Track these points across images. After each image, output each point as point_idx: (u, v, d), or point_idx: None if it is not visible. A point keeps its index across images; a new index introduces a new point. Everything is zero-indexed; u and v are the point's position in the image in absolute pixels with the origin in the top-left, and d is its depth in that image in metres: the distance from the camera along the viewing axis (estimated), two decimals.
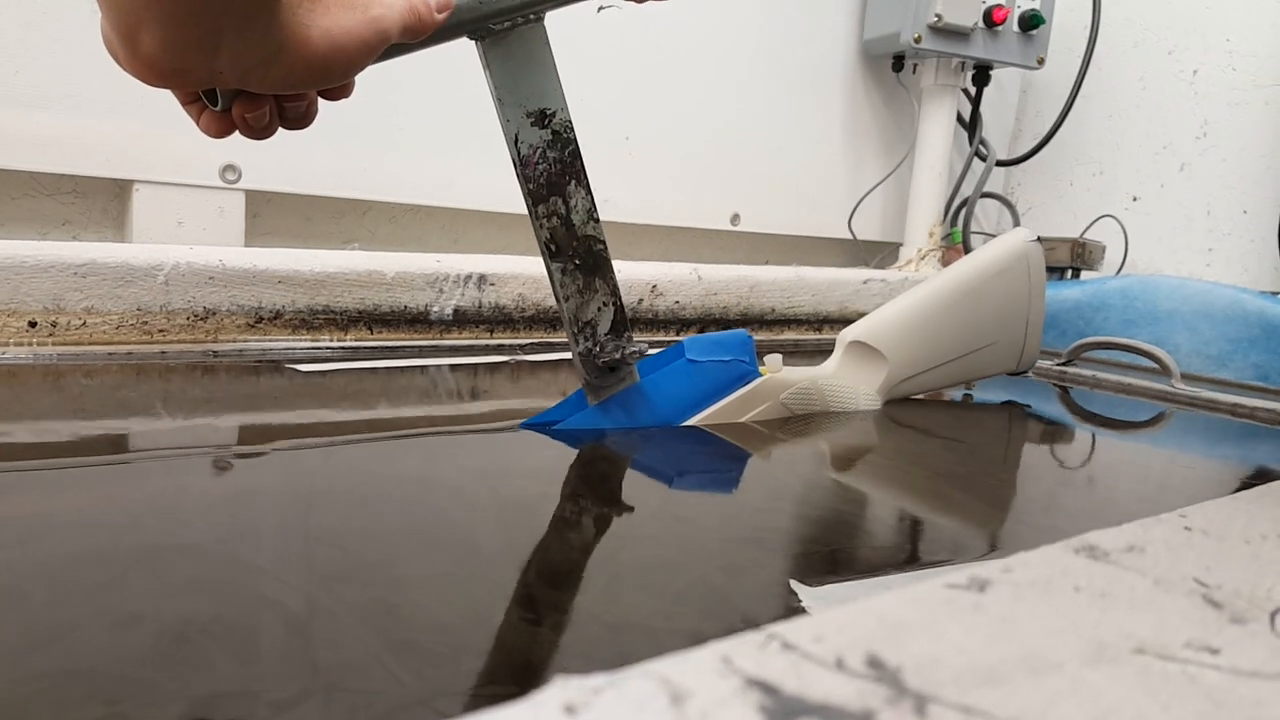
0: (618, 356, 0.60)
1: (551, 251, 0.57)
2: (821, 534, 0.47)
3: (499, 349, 0.94)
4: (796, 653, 0.15)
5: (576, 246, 0.58)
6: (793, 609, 0.35)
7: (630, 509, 0.48)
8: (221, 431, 0.58)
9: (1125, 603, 0.19)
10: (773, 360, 0.69)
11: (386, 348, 0.87)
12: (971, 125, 1.50)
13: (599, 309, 0.59)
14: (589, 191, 0.58)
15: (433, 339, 0.94)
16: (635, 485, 0.54)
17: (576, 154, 0.57)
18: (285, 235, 1.03)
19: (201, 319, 0.81)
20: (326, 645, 0.29)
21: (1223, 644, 0.17)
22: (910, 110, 1.49)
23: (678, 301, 1.14)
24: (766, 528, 0.46)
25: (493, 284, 0.98)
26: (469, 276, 0.96)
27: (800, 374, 0.73)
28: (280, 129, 0.47)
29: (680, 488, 0.54)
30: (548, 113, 0.55)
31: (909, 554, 0.44)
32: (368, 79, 1.03)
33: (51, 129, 0.85)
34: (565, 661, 0.29)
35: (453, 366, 0.84)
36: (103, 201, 0.93)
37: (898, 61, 1.44)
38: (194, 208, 0.93)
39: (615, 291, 0.60)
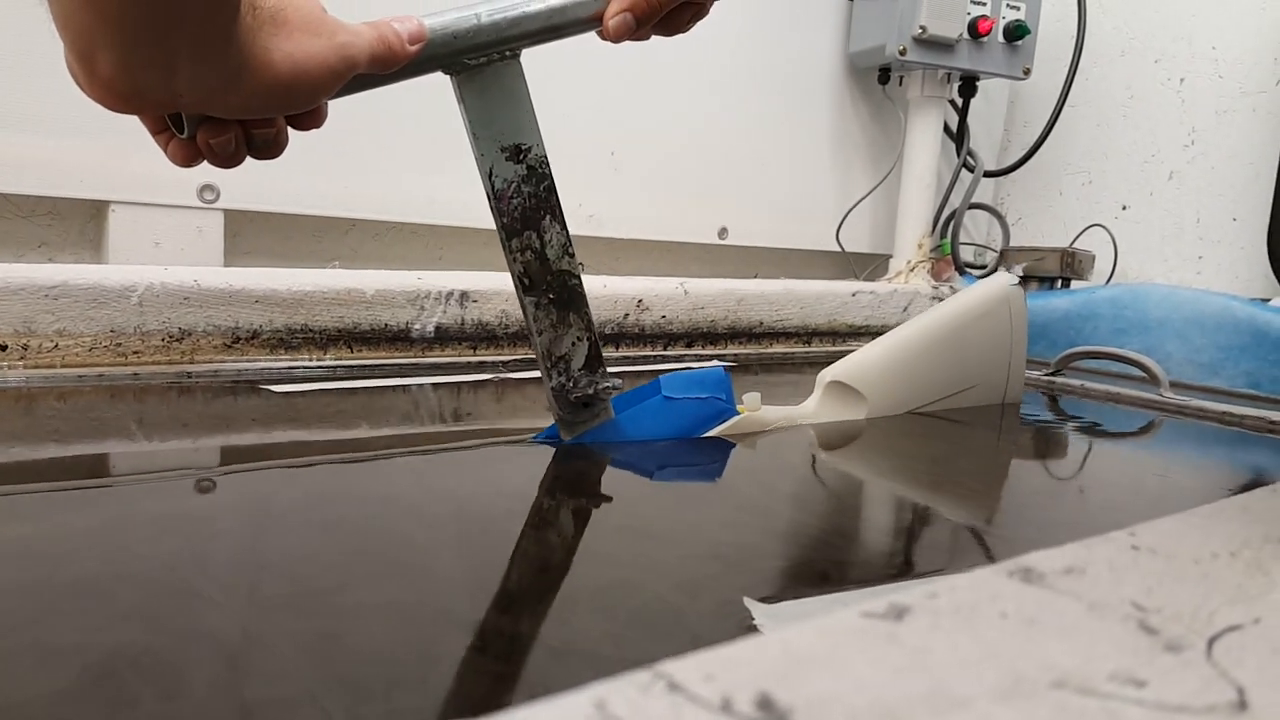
0: (591, 392, 0.60)
1: (525, 285, 0.57)
2: (784, 548, 0.46)
3: (480, 366, 0.93)
4: (681, 694, 0.14)
5: (551, 281, 0.57)
6: (748, 627, 0.34)
7: (594, 526, 0.47)
8: (186, 455, 0.57)
9: (1053, 630, 0.18)
10: (751, 399, 0.68)
11: (367, 366, 0.87)
12: (959, 136, 1.50)
13: (573, 344, 0.59)
14: (564, 226, 0.57)
15: (414, 357, 0.93)
16: (604, 500, 0.53)
17: (552, 189, 0.56)
18: (266, 254, 1.03)
19: (177, 340, 0.80)
20: (258, 679, 0.28)
21: (1151, 675, 0.16)
22: (897, 122, 1.49)
23: (664, 316, 1.13)
24: (730, 542, 0.45)
25: (475, 301, 0.97)
26: (451, 293, 0.95)
27: (779, 413, 0.72)
28: (250, 157, 0.46)
29: (649, 502, 0.53)
30: (523, 148, 0.55)
31: (870, 570, 0.43)
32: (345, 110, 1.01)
33: (26, 150, 0.84)
34: (501, 693, 0.28)
35: (435, 385, 0.84)
36: (79, 223, 0.92)
37: (884, 74, 1.44)
38: (172, 228, 0.92)
39: (590, 326, 0.59)
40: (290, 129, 0.47)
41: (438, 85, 1.07)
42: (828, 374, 0.77)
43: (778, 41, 1.37)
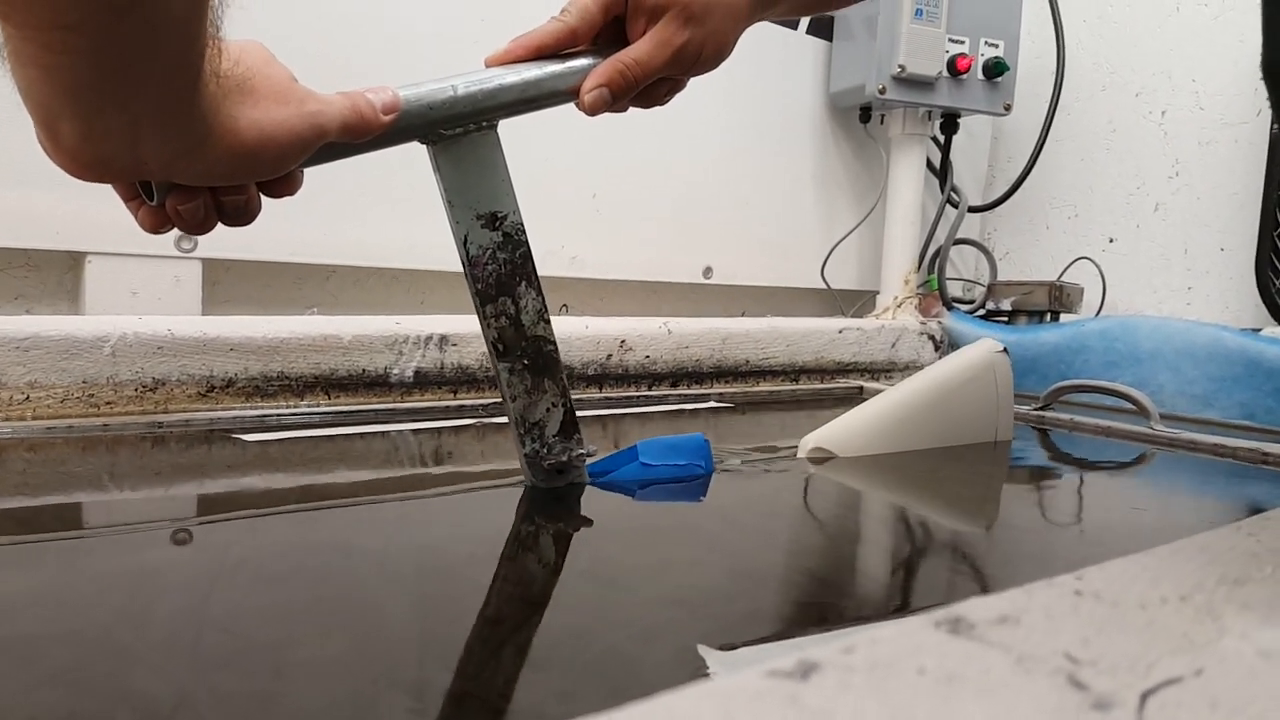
0: (565, 459, 0.59)
1: (499, 351, 0.56)
2: (750, 590, 0.45)
3: (461, 410, 0.92)
4: None
5: (525, 347, 0.56)
6: (701, 676, 0.33)
7: (558, 572, 0.46)
8: (146, 507, 0.56)
9: (972, 689, 0.16)
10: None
11: (345, 413, 0.86)
12: (942, 173, 1.50)
13: (547, 410, 0.58)
14: (540, 292, 0.57)
15: (393, 402, 0.92)
16: (571, 544, 0.52)
17: (527, 255, 0.56)
18: (245, 302, 1.02)
19: (150, 390, 0.79)
20: None
21: None
22: (880, 160, 1.49)
23: (648, 356, 1.12)
24: (694, 585, 0.44)
25: (454, 344, 0.96)
26: (429, 337, 0.95)
27: None
28: (222, 224, 0.45)
29: (617, 544, 0.52)
30: (499, 215, 0.55)
31: (833, 611, 0.42)
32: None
33: (1, 203, 0.84)
34: None
35: (414, 430, 0.82)
36: (57, 274, 0.92)
37: (865, 112, 1.45)
38: (149, 278, 0.92)
39: (565, 392, 0.59)
40: (263, 196, 0.46)
41: None
42: (811, 440, 0.76)
43: (759, 82, 1.38)
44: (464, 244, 0.54)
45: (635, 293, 1.35)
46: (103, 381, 0.77)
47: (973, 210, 1.57)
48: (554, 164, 1.18)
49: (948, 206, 1.51)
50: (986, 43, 1.38)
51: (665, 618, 0.40)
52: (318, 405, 0.87)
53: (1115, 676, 0.17)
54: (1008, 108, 1.42)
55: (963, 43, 1.35)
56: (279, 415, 0.82)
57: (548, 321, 0.57)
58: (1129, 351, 1.26)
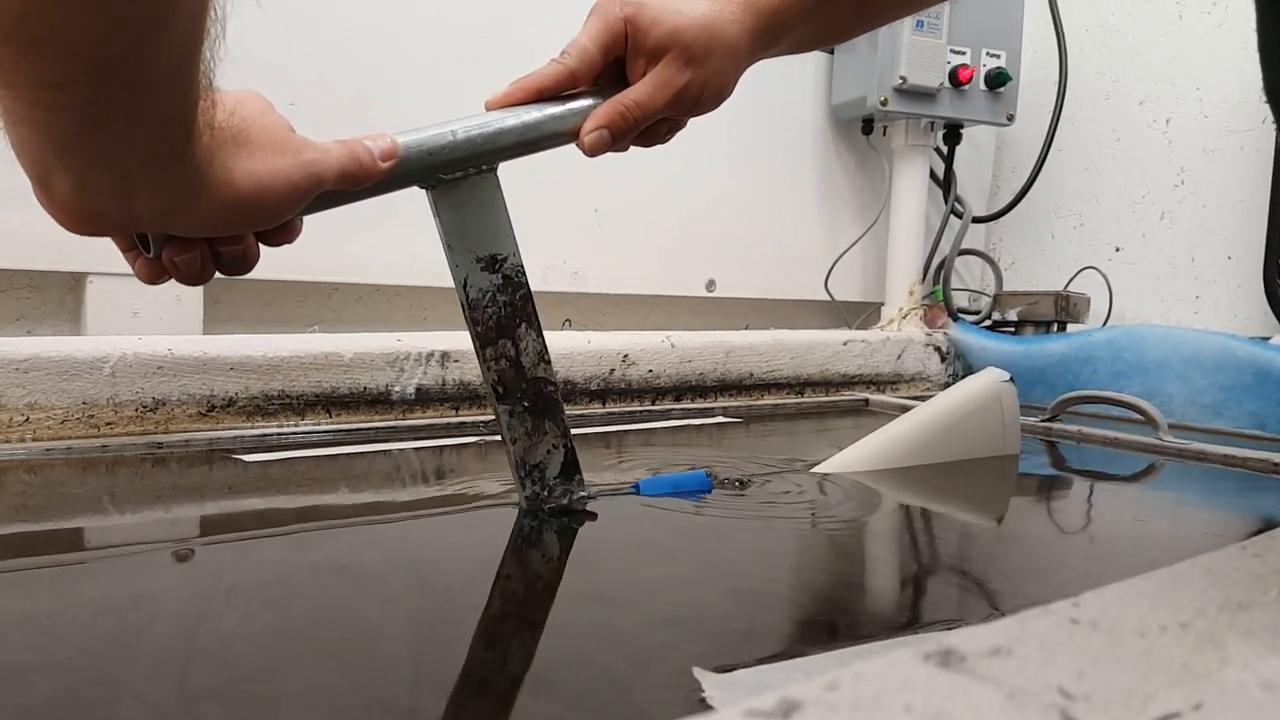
0: (565, 502, 0.58)
1: (499, 394, 0.56)
2: (747, 609, 0.44)
3: (463, 427, 0.92)
4: None
5: (526, 389, 0.56)
6: (696, 701, 0.32)
7: (554, 593, 0.45)
8: (142, 529, 0.56)
9: None
10: None
11: (346, 431, 0.85)
12: (945, 183, 1.50)
13: (548, 451, 0.58)
14: (540, 333, 0.56)
15: (395, 419, 0.92)
16: (571, 564, 0.51)
17: (528, 297, 0.56)
18: (247, 321, 1.02)
19: (151, 410, 0.79)
20: None
21: None
22: (882, 171, 1.49)
23: (651, 370, 1.12)
24: (690, 604, 0.44)
25: (456, 360, 0.96)
26: (431, 354, 0.94)
27: None
28: (220, 273, 0.45)
29: (614, 563, 0.51)
30: (499, 257, 0.54)
31: (832, 631, 0.41)
32: (329, 139, 1.02)
33: (1, 224, 0.84)
34: None
35: (416, 448, 0.82)
36: (58, 295, 0.92)
37: (867, 124, 1.44)
38: (150, 297, 0.92)
39: (566, 433, 0.58)
40: (262, 245, 0.46)
41: None
42: (817, 471, 0.75)
43: (760, 94, 1.38)
44: (464, 287, 0.54)
45: (638, 307, 1.34)
46: (103, 402, 0.77)
47: (977, 221, 1.56)
48: (555, 179, 1.18)
49: (952, 217, 1.51)
50: (988, 53, 1.37)
51: (661, 638, 0.39)
52: (319, 424, 0.87)
53: (1109, 712, 0.17)
54: (1011, 118, 1.42)
55: (964, 53, 1.35)
56: (280, 434, 0.82)
57: (548, 363, 0.57)
58: (1137, 361, 1.25)
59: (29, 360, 0.74)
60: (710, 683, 0.33)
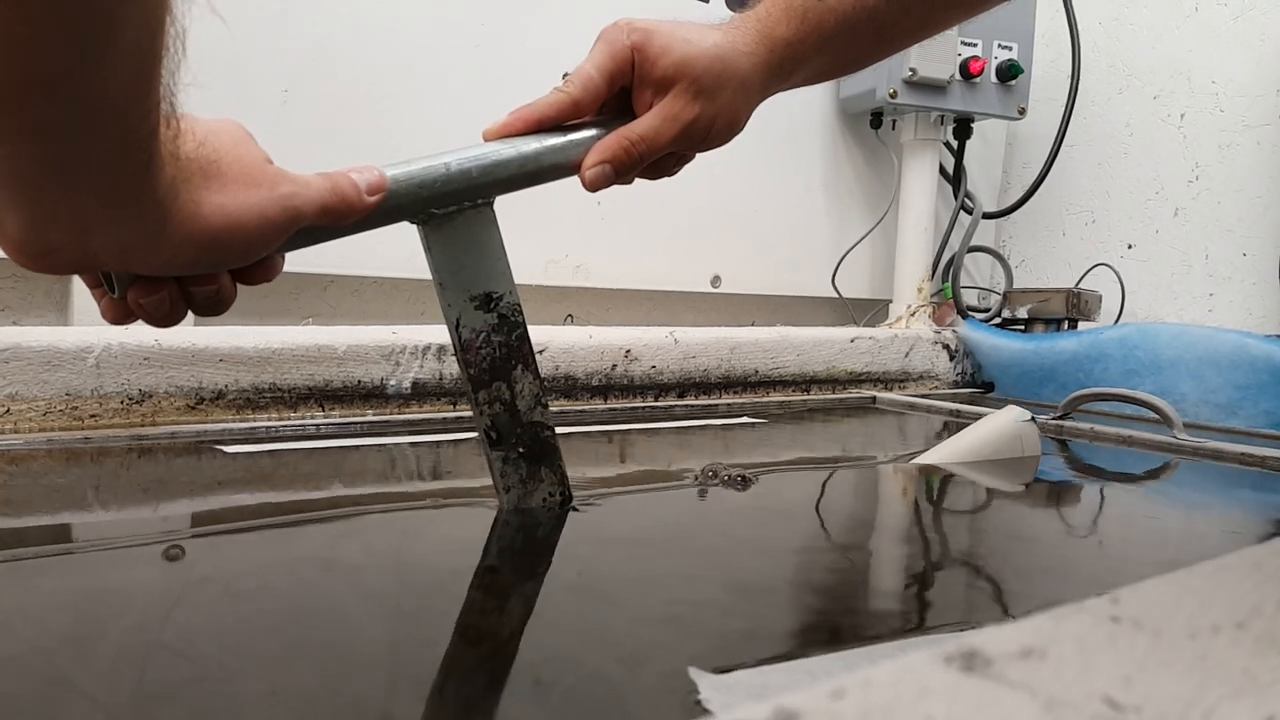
0: None
1: (492, 440, 0.53)
2: (748, 606, 0.41)
3: (460, 422, 0.89)
4: None
5: (521, 434, 0.53)
6: (692, 704, 0.30)
7: (544, 587, 0.43)
8: (114, 523, 0.53)
9: None
10: None
11: (339, 425, 0.83)
12: (955, 178, 1.47)
13: (544, 500, 0.55)
14: (537, 375, 0.53)
15: (390, 414, 0.89)
16: (562, 557, 0.49)
17: (524, 337, 0.52)
18: (239, 313, 0.99)
19: (137, 402, 0.77)
20: None
21: None
22: (891, 166, 1.46)
23: (654, 366, 1.09)
24: (686, 601, 0.41)
25: (454, 355, 0.94)
26: (428, 348, 0.92)
27: None
28: (194, 314, 0.42)
29: (608, 557, 0.49)
30: (494, 295, 0.51)
31: (839, 631, 0.39)
32: (322, 134, 0.99)
33: None
34: None
35: (411, 443, 0.80)
36: (45, 285, 0.90)
37: (876, 118, 1.42)
38: None
39: (563, 480, 0.55)
40: (239, 284, 0.42)
41: (415, 128, 1.05)
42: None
43: None
44: (456, 327, 0.51)
45: (642, 302, 1.32)
46: (87, 394, 0.75)
47: (987, 217, 1.54)
48: None
49: (962, 213, 1.48)
50: (1000, 45, 1.35)
51: (656, 637, 0.37)
52: (311, 418, 0.84)
53: None
54: (1022, 111, 1.39)
55: (975, 45, 1.33)
56: (270, 428, 0.80)
57: (545, 406, 0.54)
58: (1149, 359, 1.22)
59: (9, 350, 0.72)
60: (707, 684, 0.31)
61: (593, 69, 0.51)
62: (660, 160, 0.54)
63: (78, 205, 0.32)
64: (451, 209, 0.49)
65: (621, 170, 0.51)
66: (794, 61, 0.53)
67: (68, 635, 0.35)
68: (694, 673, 0.32)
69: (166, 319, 0.40)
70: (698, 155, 0.57)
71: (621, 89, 0.52)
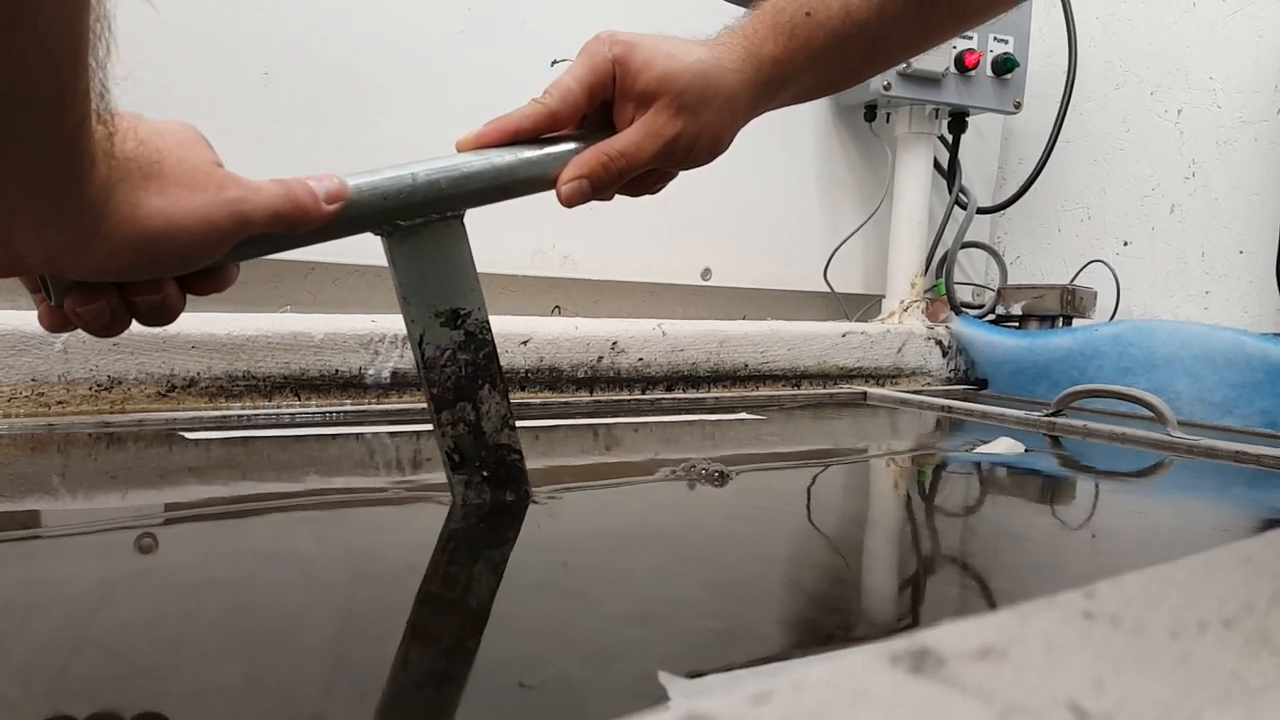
0: None
1: (454, 462, 0.51)
2: (722, 605, 0.40)
3: None
4: None
5: (486, 457, 0.51)
6: (660, 707, 0.28)
7: (508, 582, 0.41)
8: (54, 512, 0.51)
9: None
10: None
11: (315, 414, 0.81)
12: (950, 173, 1.45)
13: None
14: (505, 395, 0.51)
15: (368, 403, 0.88)
16: (528, 550, 0.47)
17: (492, 355, 0.50)
18: (219, 301, 0.98)
19: (106, 389, 0.75)
20: None
21: None
22: (885, 159, 1.45)
23: (641, 359, 1.08)
24: (660, 598, 0.39)
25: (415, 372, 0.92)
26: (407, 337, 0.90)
27: None
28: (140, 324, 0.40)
29: (579, 552, 0.47)
30: (461, 312, 0.49)
31: (822, 630, 0.37)
32: (304, 119, 0.96)
33: None
34: None
35: (390, 433, 0.78)
36: None
37: (870, 110, 1.40)
38: None
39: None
40: (189, 294, 0.41)
41: (400, 114, 1.02)
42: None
43: None
44: (419, 344, 0.49)
45: (631, 294, 1.30)
46: (54, 379, 0.73)
47: (982, 212, 1.52)
48: None
49: (956, 208, 1.46)
50: (995, 38, 1.33)
51: (624, 637, 0.35)
52: (286, 407, 0.83)
53: None
54: (1018, 106, 1.37)
55: (971, 38, 1.31)
56: (242, 417, 0.78)
57: (513, 428, 0.52)
58: (1144, 357, 1.21)
59: None
60: (677, 689, 0.29)
61: (572, 81, 0.50)
62: (641, 177, 0.52)
63: (1, 207, 0.30)
64: (418, 221, 0.47)
65: (599, 186, 0.49)
66: (782, 79, 0.52)
67: None
68: (664, 677, 0.30)
69: (106, 329, 0.38)
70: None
71: (602, 103, 0.51)
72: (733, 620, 0.38)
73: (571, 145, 0.50)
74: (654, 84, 0.49)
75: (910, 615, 0.41)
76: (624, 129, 0.50)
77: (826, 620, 0.39)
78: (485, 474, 0.51)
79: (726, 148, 0.53)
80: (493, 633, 0.36)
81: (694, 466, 0.65)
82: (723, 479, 0.63)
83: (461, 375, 0.50)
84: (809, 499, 0.65)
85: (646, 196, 0.56)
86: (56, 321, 0.38)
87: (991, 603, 0.43)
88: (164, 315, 0.40)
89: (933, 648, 0.14)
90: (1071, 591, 0.17)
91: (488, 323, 0.50)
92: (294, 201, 0.40)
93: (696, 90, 0.49)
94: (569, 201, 0.49)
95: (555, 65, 1.20)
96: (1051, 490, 0.72)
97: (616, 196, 0.53)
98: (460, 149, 0.49)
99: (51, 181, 0.30)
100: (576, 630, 0.36)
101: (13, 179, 0.29)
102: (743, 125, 0.53)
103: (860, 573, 0.48)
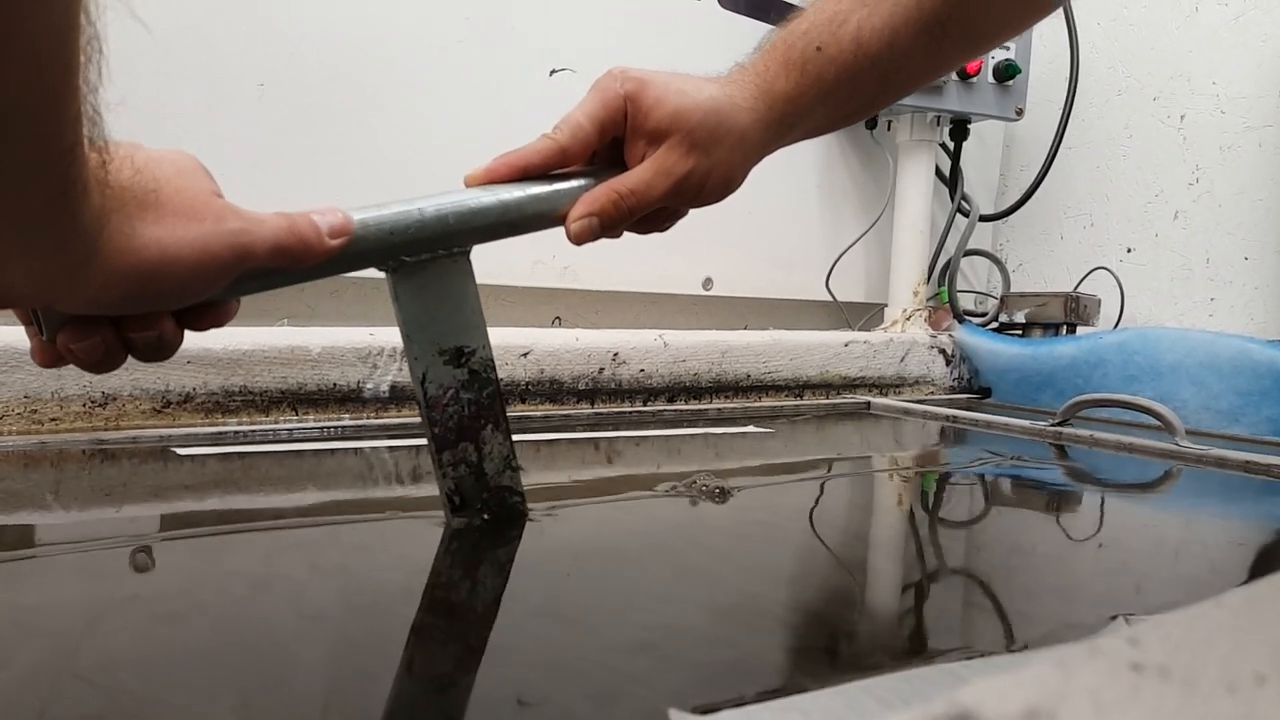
0: None
1: (455, 505, 0.50)
2: (729, 631, 0.38)
3: None
4: None
5: (487, 499, 0.50)
6: None
7: (506, 610, 0.40)
8: (37, 531, 0.50)
9: None
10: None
11: (313, 430, 0.80)
12: (952, 180, 1.45)
13: None
14: (508, 436, 0.50)
15: (367, 418, 0.86)
16: (528, 574, 0.46)
17: (496, 394, 0.49)
18: None
19: (100, 405, 0.74)
20: None
21: None
22: (887, 167, 1.44)
23: (643, 370, 1.06)
24: (664, 625, 0.38)
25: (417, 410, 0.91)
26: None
27: None
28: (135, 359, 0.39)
29: (579, 576, 0.46)
30: (465, 350, 0.48)
31: (836, 658, 0.36)
32: (300, 130, 0.95)
33: None
34: None
35: (390, 448, 0.77)
36: None
37: (871, 118, 1.39)
38: None
39: None
40: (187, 329, 0.39)
41: (398, 125, 1.01)
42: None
43: None
44: (422, 382, 0.48)
45: (631, 304, 1.29)
46: (47, 396, 0.72)
47: (984, 219, 1.51)
48: None
49: (958, 215, 1.45)
50: None
51: (629, 669, 0.34)
52: (284, 422, 0.81)
53: None
54: (1020, 112, 1.36)
55: None
56: (239, 433, 0.77)
57: (515, 469, 0.51)
58: (1149, 365, 1.20)
59: None
60: None
61: (583, 116, 0.49)
62: (651, 215, 0.51)
63: None
64: (424, 256, 0.46)
65: (609, 224, 0.49)
66: (795, 115, 0.51)
67: None
68: (675, 715, 0.29)
69: (100, 365, 0.37)
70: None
71: (613, 139, 0.50)
72: (741, 648, 0.37)
73: (581, 182, 0.49)
74: (666, 121, 0.48)
75: (925, 643, 0.39)
76: (635, 166, 0.50)
77: (840, 647, 0.38)
78: (486, 517, 0.51)
79: (738, 186, 0.53)
80: (490, 667, 0.35)
81: (695, 482, 0.64)
82: (724, 495, 0.62)
83: (464, 415, 0.49)
84: (814, 516, 0.63)
85: None
86: (49, 357, 0.37)
87: (1009, 628, 0.42)
88: (160, 351, 0.38)
89: (973, 711, 0.13)
90: (1113, 636, 0.16)
91: (492, 361, 0.49)
92: (297, 235, 0.39)
93: (709, 128, 0.48)
94: (578, 239, 0.49)
95: (554, 75, 1.19)
96: (1062, 502, 0.71)
97: (625, 234, 0.52)
98: (469, 184, 0.48)
99: (41, 209, 0.29)
100: (579, 663, 0.34)
101: (1, 204, 0.28)
102: (755, 163, 0.52)
103: (871, 594, 0.47)
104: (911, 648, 0.38)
